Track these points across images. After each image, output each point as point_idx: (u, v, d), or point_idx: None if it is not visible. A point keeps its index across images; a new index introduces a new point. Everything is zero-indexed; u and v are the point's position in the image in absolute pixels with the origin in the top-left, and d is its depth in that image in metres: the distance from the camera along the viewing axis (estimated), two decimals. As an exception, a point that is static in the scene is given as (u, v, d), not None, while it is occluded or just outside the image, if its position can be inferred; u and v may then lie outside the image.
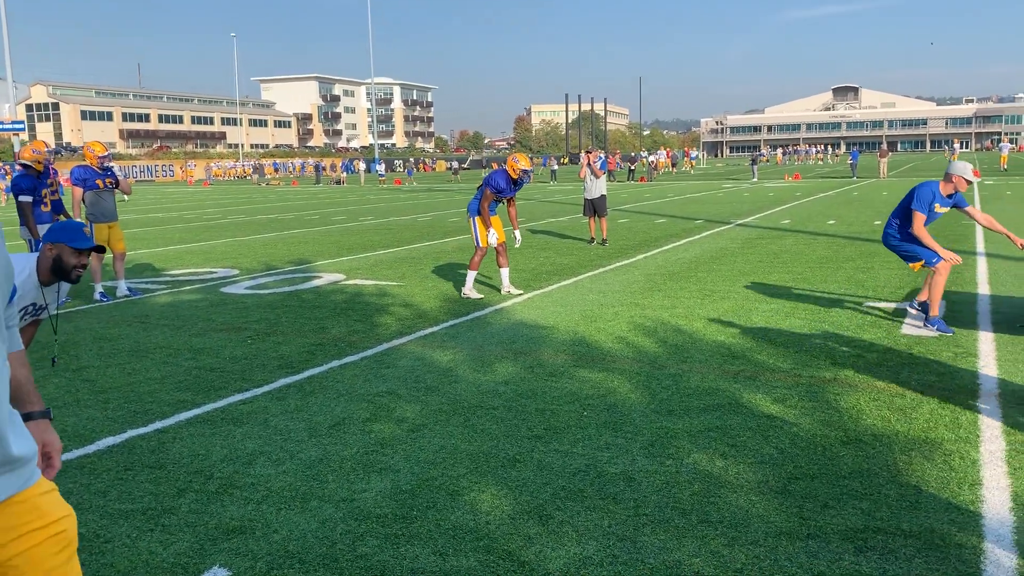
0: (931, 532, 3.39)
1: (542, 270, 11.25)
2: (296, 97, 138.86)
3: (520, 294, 9.25)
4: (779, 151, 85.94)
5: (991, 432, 4.53)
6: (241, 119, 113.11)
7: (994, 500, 3.68)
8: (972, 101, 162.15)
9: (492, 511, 3.68)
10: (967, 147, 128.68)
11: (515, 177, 9.19)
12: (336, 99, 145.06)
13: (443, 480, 4.04)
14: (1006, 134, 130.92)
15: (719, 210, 21.63)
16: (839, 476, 3.97)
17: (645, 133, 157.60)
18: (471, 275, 9.23)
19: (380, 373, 6.04)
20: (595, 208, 14.45)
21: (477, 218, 9.31)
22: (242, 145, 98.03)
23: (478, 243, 9.30)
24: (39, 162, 8.92)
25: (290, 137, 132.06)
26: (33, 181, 8.87)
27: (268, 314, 8.47)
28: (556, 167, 52.36)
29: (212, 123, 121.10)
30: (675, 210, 22.18)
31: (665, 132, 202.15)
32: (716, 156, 78.81)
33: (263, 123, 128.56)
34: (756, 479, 3.97)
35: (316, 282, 10.68)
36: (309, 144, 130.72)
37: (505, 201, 9.48)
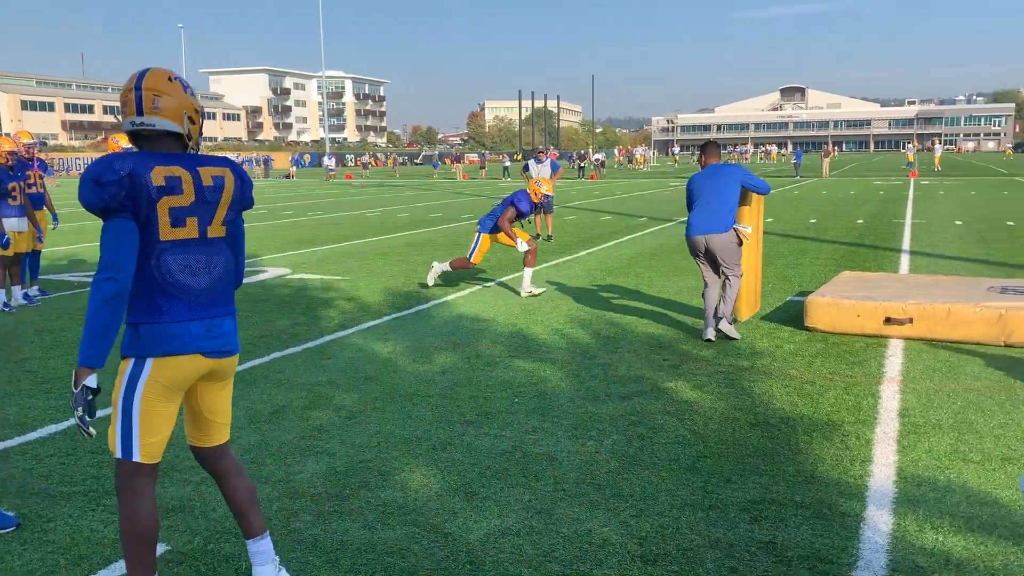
0: (820, 503, 3.72)
1: (486, 265, 11.49)
2: (245, 90, 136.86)
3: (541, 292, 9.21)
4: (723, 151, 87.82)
5: (888, 415, 4.91)
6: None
7: (881, 475, 4.04)
8: (914, 103, 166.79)
9: (420, 489, 3.92)
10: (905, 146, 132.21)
11: (536, 201, 9.34)
12: (287, 92, 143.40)
13: (376, 462, 4.27)
14: (945, 135, 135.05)
15: (664, 208, 22.12)
16: (744, 455, 4.30)
17: (598, 131, 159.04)
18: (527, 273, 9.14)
19: (321, 364, 6.23)
20: (542, 205, 14.73)
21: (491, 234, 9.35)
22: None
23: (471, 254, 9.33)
24: None
25: (239, 130, 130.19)
26: None
27: (212, 307, 8.56)
28: (508, 163, 52.70)
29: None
30: (621, 208, 22.62)
31: (618, 130, 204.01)
32: (667, 154, 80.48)
33: (211, 116, 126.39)
34: (668, 457, 4.27)
35: (262, 276, 10.78)
36: (259, 138, 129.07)
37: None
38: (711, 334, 6.76)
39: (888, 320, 6.67)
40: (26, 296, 9.01)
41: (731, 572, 3.13)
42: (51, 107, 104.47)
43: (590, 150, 63.56)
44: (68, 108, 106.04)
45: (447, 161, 65.96)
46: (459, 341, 6.91)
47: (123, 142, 9.45)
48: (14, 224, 8.79)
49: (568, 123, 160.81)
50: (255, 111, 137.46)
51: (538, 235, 14.79)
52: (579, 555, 3.28)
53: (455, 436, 4.64)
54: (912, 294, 7.04)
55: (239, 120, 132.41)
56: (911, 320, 6.60)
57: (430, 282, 9.45)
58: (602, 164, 50.23)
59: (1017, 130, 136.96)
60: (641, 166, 66.91)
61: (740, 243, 6.83)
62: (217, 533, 3.50)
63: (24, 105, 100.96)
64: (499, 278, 10.34)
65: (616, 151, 75.31)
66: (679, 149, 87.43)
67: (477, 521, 3.58)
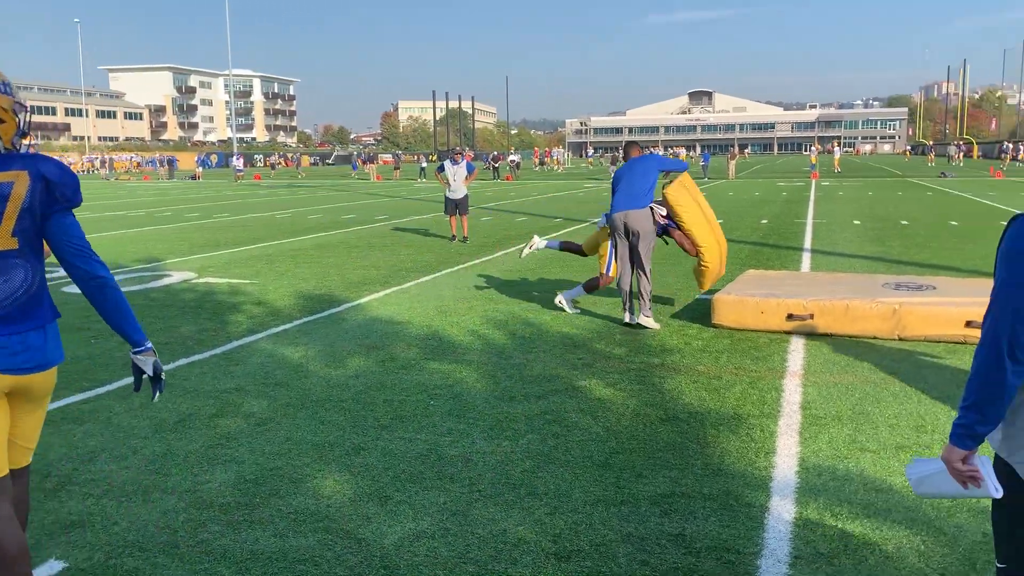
0: (727, 494, 3.83)
1: (402, 267, 11.41)
2: (148, 88, 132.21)
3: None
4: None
5: (790, 408, 5.10)
6: (87, 110, 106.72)
7: (784, 465, 4.19)
8: (815, 107, 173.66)
9: (333, 495, 3.86)
10: (809, 149, 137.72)
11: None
12: (192, 91, 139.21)
13: (287, 469, 4.19)
14: (844, 138, 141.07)
15: (578, 209, 22.40)
16: (655, 449, 4.39)
17: (513, 132, 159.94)
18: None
19: (229, 370, 6.07)
20: (457, 206, 14.71)
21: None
22: (88, 138, 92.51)
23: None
24: None
25: (142, 130, 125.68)
26: None
27: (114, 313, 8.24)
28: (425, 164, 52.43)
29: (54, 113, 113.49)
30: (537, 209, 22.80)
31: (532, 132, 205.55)
32: (581, 156, 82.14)
33: (112, 115, 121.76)
34: (582, 455, 4.33)
35: (166, 280, 10.43)
36: (163, 137, 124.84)
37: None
38: (629, 318, 7.38)
39: (790, 316, 6.92)
40: None
41: (642, 565, 3.19)
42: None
43: (511, 151, 63.94)
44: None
45: (360, 161, 65.09)
46: (373, 344, 6.84)
47: None
48: None
49: (483, 124, 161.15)
50: (159, 110, 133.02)
51: (453, 236, 14.77)
52: (494, 555, 3.29)
53: (369, 441, 4.59)
54: (812, 291, 7.33)
55: (142, 119, 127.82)
56: (812, 316, 6.87)
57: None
58: (517, 166, 50.49)
59: (910, 133, 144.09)
60: (557, 167, 67.62)
61: (657, 230, 7.49)
62: (119, 548, 3.37)
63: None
64: (413, 280, 10.28)
65: (533, 153, 76.58)
66: (593, 151, 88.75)
67: (391, 525, 3.55)
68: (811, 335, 6.91)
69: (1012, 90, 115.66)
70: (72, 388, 5.63)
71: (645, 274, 7.34)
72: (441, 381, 5.73)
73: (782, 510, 3.67)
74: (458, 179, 14.64)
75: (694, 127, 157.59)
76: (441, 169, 14.89)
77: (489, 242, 14.48)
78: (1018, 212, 1.93)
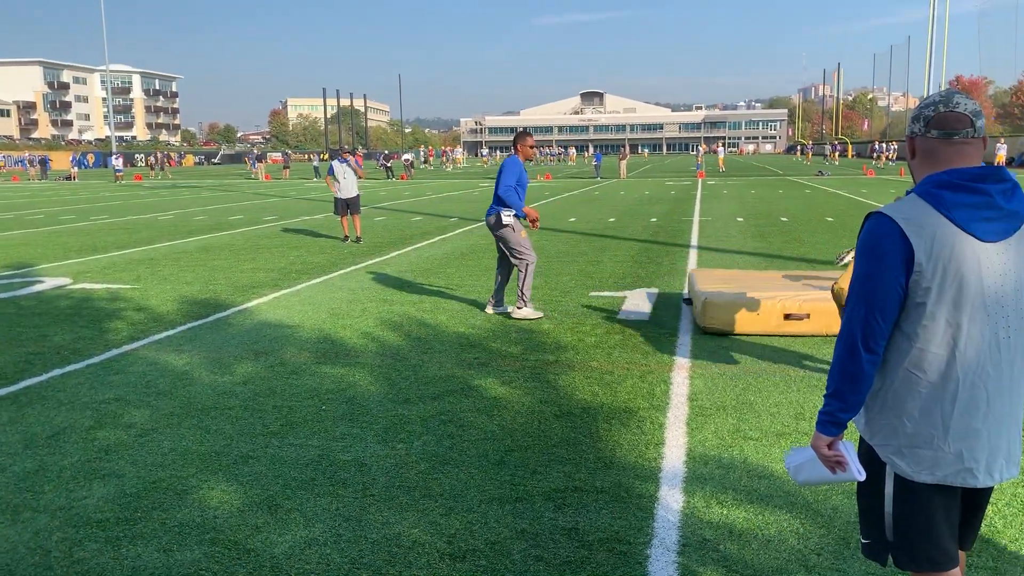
0: (619, 487, 3.91)
1: (292, 269, 11.15)
2: (16, 83, 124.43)
3: None
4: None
5: (678, 400, 5.25)
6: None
7: (672, 456, 4.31)
8: (701, 108, 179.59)
9: (220, 506, 3.74)
10: (695, 149, 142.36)
11: None
12: (65, 87, 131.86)
13: (171, 481, 4.02)
14: (728, 138, 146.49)
15: (473, 208, 22.42)
16: (549, 445, 4.44)
17: (407, 131, 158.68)
18: None
19: (107, 380, 5.78)
20: (348, 206, 14.47)
21: None
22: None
23: None
24: None
25: (10, 127, 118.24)
26: None
27: (-21, 323, 7.72)
28: (317, 163, 51.38)
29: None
30: (432, 208, 22.70)
31: (427, 130, 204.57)
32: (476, 155, 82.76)
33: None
34: (477, 454, 4.33)
35: (38, 287, 9.85)
36: (34, 136, 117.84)
37: None
38: (489, 309, 8.04)
39: (787, 317, 6.71)
40: None
41: (536, 561, 3.22)
42: None
43: (420, 148, 63.52)
44: None
45: (246, 160, 63.17)
46: (262, 350, 6.66)
47: None
48: None
49: (376, 122, 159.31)
50: (28, 106, 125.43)
51: (346, 237, 14.54)
52: (388, 559, 3.25)
53: (258, 448, 4.46)
54: (784, 291, 7.05)
55: (9, 116, 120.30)
56: (808, 316, 6.69)
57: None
58: (412, 164, 50.14)
59: (790, 133, 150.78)
60: (451, 166, 67.57)
61: (510, 228, 7.73)
62: (-15, 573, 3.16)
63: None
64: (304, 282, 10.06)
65: (428, 151, 77.39)
66: (488, 151, 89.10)
67: (282, 534, 3.46)
68: (699, 329, 7.12)
69: (882, 93, 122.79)
70: (-69, 404, 5.24)
71: (520, 267, 7.79)
72: (334, 385, 5.63)
73: (671, 500, 3.77)
74: (348, 178, 14.41)
75: (586, 127, 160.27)
76: (331, 171, 14.59)
77: (383, 242, 14.33)
78: (872, 210, 2.04)
